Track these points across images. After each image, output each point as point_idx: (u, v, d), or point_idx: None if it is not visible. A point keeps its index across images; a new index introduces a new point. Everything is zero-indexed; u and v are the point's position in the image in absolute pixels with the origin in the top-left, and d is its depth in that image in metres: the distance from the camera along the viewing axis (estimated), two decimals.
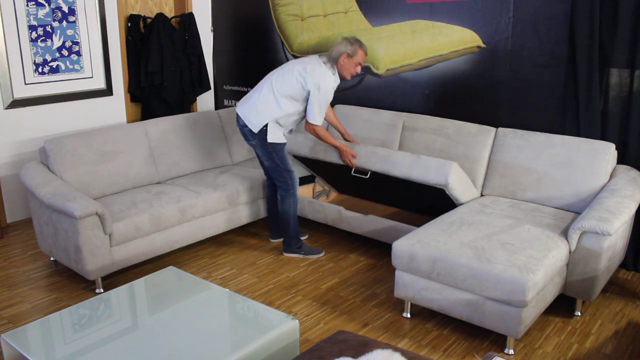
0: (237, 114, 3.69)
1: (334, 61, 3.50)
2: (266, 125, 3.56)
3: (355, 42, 3.49)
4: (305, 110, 3.58)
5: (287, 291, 3.44)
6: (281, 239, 4.07)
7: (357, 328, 3.04)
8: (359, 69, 3.57)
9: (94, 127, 4.75)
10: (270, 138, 3.59)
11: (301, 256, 3.86)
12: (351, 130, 4.31)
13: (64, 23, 4.52)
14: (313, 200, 4.15)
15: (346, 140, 3.93)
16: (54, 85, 4.55)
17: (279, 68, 3.66)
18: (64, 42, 4.54)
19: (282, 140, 3.64)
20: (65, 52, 4.56)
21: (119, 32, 4.85)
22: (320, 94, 3.47)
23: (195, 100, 5.50)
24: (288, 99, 3.54)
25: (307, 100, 3.53)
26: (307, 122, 3.56)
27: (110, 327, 2.46)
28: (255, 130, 3.58)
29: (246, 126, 3.62)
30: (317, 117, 3.52)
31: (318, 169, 4.22)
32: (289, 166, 3.70)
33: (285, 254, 3.89)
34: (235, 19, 5.34)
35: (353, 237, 4.18)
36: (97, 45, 4.75)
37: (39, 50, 4.41)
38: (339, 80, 3.58)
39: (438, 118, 4.00)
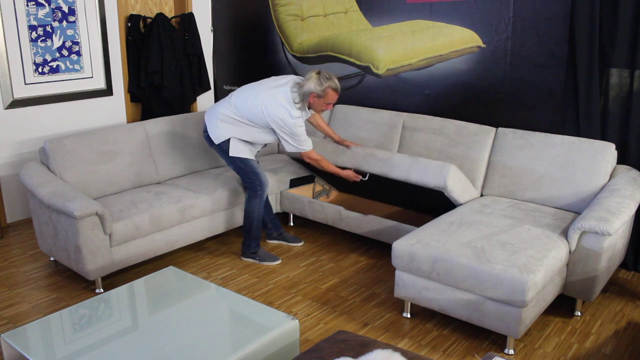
0: (204, 120, 3.70)
1: (303, 97, 3.41)
2: (228, 140, 3.57)
3: (327, 80, 3.34)
4: (272, 136, 3.57)
5: (287, 291, 3.44)
6: (278, 241, 4.08)
7: (357, 328, 3.04)
8: (330, 107, 3.49)
9: (94, 127, 4.75)
10: (233, 152, 3.58)
11: (256, 262, 3.81)
12: (351, 130, 4.31)
13: (64, 23, 4.51)
14: (313, 200, 4.15)
15: (337, 142, 3.90)
16: (54, 85, 4.55)
17: (248, 86, 3.60)
18: (64, 42, 4.54)
19: (245, 155, 3.60)
20: (65, 52, 4.56)
21: (119, 32, 4.85)
22: (287, 127, 3.41)
23: (195, 100, 5.50)
24: (250, 123, 3.52)
25: (270, 127, 3.49)
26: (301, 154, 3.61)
27: (110, 327, 2.46)
28: (216, 142, 3.61)
29: (206, 133, 3.65)
30: (293, 146, 3.49)
31: (318, 168, 4.22)
32: (255, 168, 3.66)
33: (242, 258, 3.86)
34: (235, 19, 5.34)
35: (353, 237, 4.18)
36: (97, 45, 4.74)
37: (39, 50, 4.40)
38: (309, 113, 3.60)
39: (438, 118, 4.00)
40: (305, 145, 3.52)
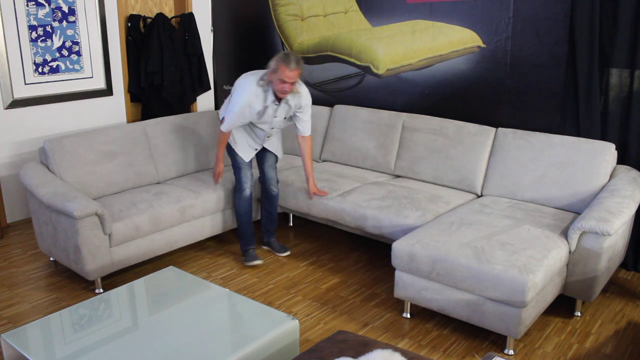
0: None
1: (263, 75, 3.39)
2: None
3: (282, 57, 3.23)
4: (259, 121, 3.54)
5: (287, 291, 3.44)
6: (266, 247, 4.02)
7: (357, 328, 3.04)
8: (286, 87, 3.26)
9: (94, 127, 4.75)
10: (230, 140, 3.69)
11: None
12: (350, 130, 4.32)
13: (64, 23, 4.51)
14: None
15: (308, 186, 3.79)
16: (54, 85, 4.55)
17: None
18: (64, 42, 4.54)
19: (237, 149, 3.65)
20: (65, 52, 4.55)
21: (119, 32, 4.85)
22: (235, 91, 3.49)
23: (195, 100, 5.50)
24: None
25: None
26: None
27: (110, 327, 2.46)
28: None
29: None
30: (223, 110, 3.61)
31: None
32: (239, 165, 3.71)
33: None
34: (235, 19, 5.34)
35: (353, 237, 4.18)
36: (97, 45, 4.74)
37: (39, 50, 4.40)
38: (272, 99, 3.39)
39: (438, 118, 4.00)
40: (224, 120, 3.54)
